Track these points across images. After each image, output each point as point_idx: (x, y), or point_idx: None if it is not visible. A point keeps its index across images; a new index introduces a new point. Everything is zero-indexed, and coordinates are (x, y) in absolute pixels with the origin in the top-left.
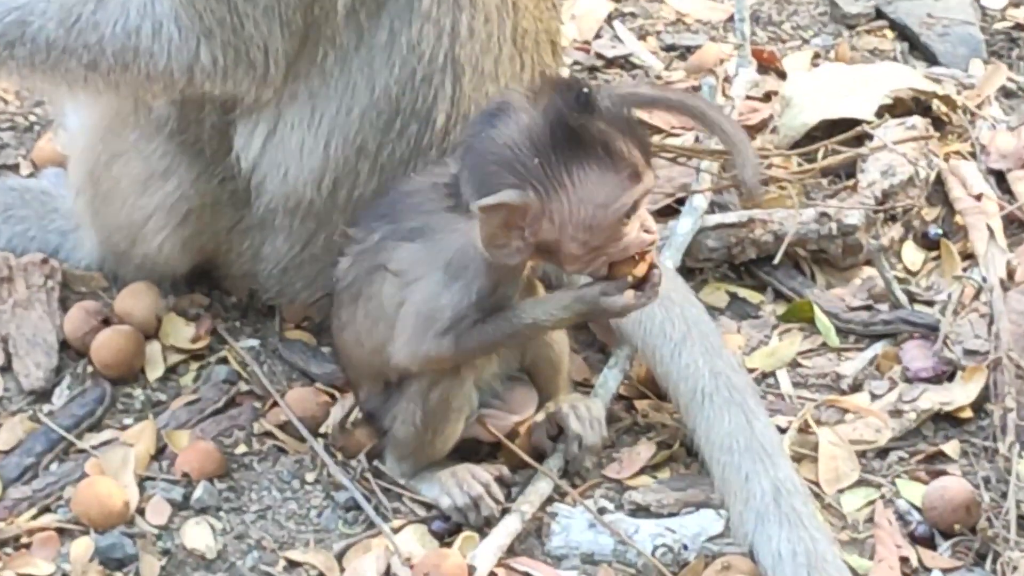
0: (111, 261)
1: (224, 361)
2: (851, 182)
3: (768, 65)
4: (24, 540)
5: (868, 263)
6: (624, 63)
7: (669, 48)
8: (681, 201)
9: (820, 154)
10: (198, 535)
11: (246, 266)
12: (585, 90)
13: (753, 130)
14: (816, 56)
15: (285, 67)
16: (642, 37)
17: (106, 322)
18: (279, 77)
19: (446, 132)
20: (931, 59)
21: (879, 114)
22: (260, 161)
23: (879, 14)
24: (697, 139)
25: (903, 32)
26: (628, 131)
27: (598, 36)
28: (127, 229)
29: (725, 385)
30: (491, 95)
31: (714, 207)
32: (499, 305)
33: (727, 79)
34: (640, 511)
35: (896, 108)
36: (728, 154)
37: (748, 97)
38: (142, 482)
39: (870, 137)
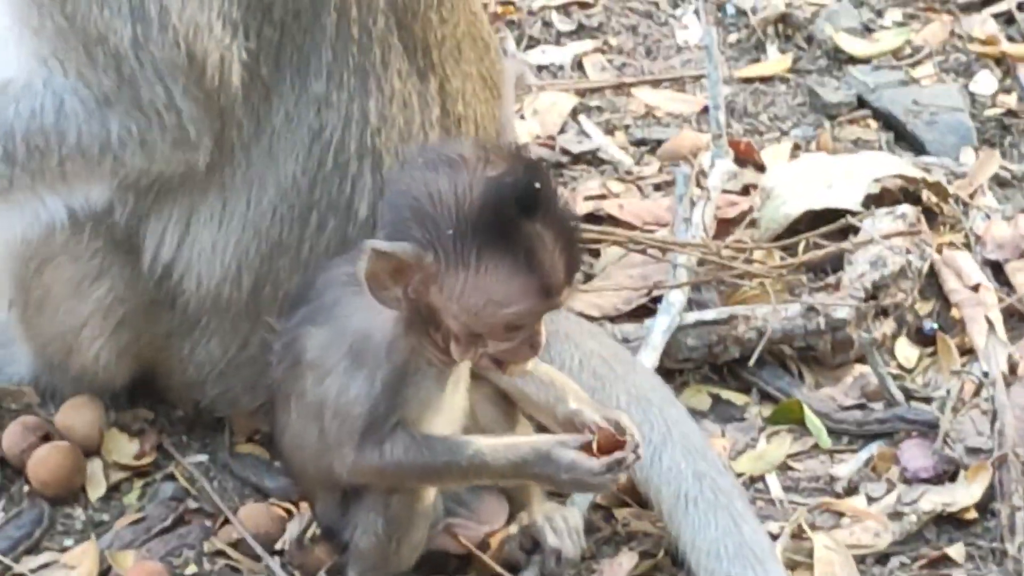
0: (47, 375)
1: (171, 478)
2: (838, 276)
3: (745, 157)
4: None
5: (859, 360)
6: (592, 159)
7: (639, 143)
8: (657, 299)
9: (802, 247)
10: None
11: (186, 373)
12: (536, 186)
13: (731, 224)
14: (796, 147)
15: (208, 133)
16: (609, 132)
17: (46, 438)
18: (205, 141)
19: (372, 224)
20: (918, 148)
21: (866, 204)
22: (176, 259)
23: (861, 103)
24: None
25: (888, 121)
26: (563, 247)
27: (563, 131)
28: (62, 339)
29: (710, 488)
30: None
31: (692, 304)
32: (422, 401)
33: (702, 172)
34: None
35: (883, 198)
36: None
37: (725, 191)
38: None
39: (856, 230)
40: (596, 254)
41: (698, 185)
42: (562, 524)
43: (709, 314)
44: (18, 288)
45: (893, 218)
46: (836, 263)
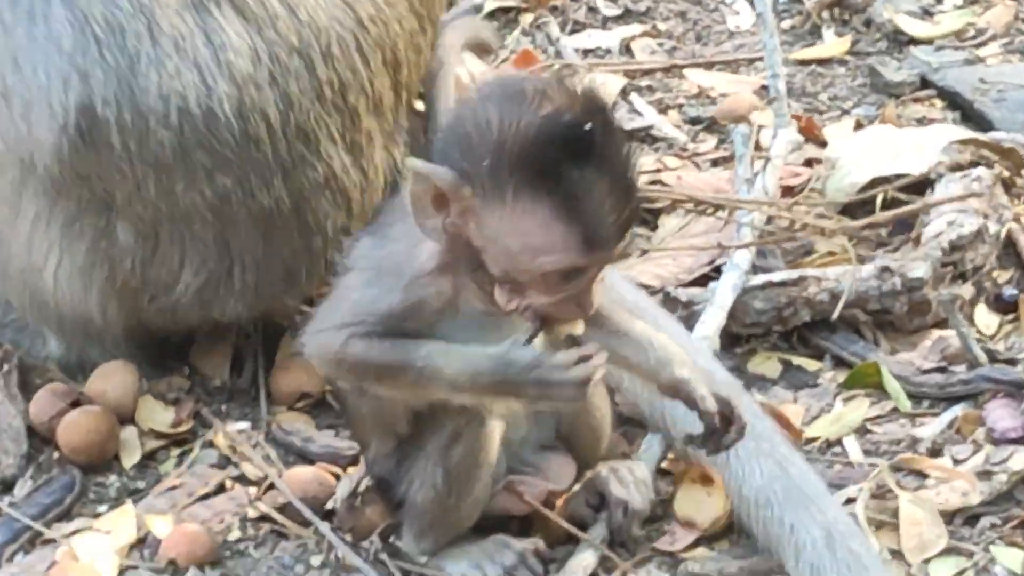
0: (58, 335)
1: (210, 445)
2: (915, 234)
3: (806, 133)
4: None
5: (937, 325)
6: (645, 136)
7: (693, 121)
8: (720, 269)
9: (879, 200)
10: None
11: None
12: (588, 128)
13: (793, 193)
14: (859, 125)
15: None
16: (662, 111)
17: (76, 405)
18: None
19: None
20: (986, 127)
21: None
22: None
23: (925, 83)
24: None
25: (953, 100)
26: (614, 198)
27: (614, 109)
28: (24, 272)
29: (749, 435)
30: None
31: (758, 270)
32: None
33: (760, 135)
34: None
35: (955, 169)
36: (774, 205)
37: (787, 164)
38: (122, 573)
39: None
40: (654, 227)
41: (757, 148)
42: (628, 475)
43: (778, 275)
44: None
45: (968, 181)
46: (908, 228)
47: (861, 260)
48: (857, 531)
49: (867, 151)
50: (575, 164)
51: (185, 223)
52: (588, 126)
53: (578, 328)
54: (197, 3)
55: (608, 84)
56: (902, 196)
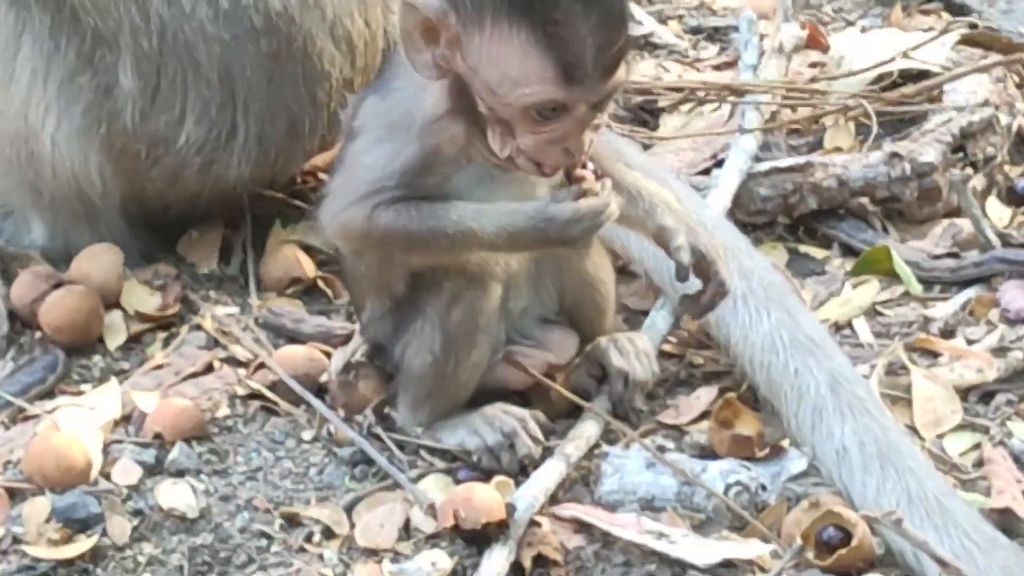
0: (49, 217)
1: (198, 328)
2: (922, 126)
3: (811, 41)
4: None
5: (947, 215)
6: (645, 44)
7: (694, 30)
8: (722, 164)
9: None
10: (176, 495)
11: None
12: None
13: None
14: (864, 31)
15: None
16: (662, 22)
17: (59, 287)
18: None
19: None
20: None
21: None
22: None
23: None
24: None
25: (961, 10)
26: (595, 24)
27: None
28: (18, 139)
29: (759, 284)
30: None
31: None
32: (431, 195)
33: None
34: (706, 453)
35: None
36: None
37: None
38: (106, 447)
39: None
40: (655, 127)
41: (760, 37)
42: (629, 346)
43: (784, 161)
44: None
45: (978, 73)
46: (919, 123)
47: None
48: (863, 380)
49: (874, 50)
50: None
51: (189, 60)
52: None
53: (589, 181)
54: None
55: None
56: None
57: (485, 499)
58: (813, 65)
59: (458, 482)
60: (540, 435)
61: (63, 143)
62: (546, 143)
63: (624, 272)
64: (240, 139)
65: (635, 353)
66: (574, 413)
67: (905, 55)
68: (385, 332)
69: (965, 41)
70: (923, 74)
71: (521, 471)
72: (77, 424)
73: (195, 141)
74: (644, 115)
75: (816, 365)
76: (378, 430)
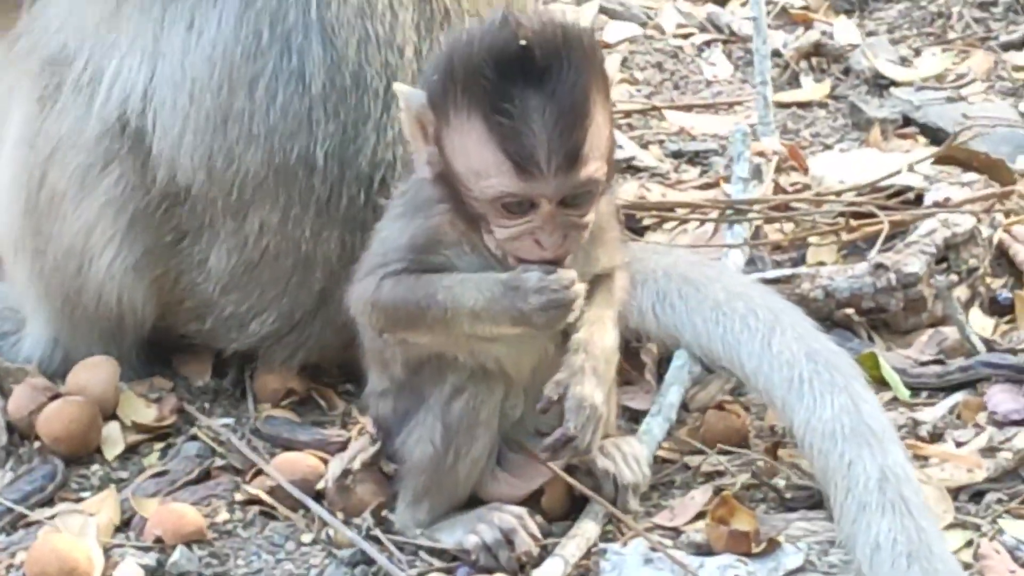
0: (62, 336)
1: (194, 439)
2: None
3: (791, 160)
4: None
5: (932, 325)
6: (627, 167)
7: (675, 154)
8: None
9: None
10: None
11: (196, 289)
12: (522, 47)
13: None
14: (843, 152)
15: None
16: (644, 146)
17: (56, 399)
18: None
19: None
20: None
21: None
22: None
23: (907, 121)
24: None
25: (936, 136)
26: (552, 122)
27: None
28: (74, 256)
29: (825, 367)
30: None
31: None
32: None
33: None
34: (702, 551)
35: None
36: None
37: (773, 180)
38: (107, 551)
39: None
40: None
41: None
42: (615, 451)
43: (771, 273)
44: (22, 209)
45: (960, 185)
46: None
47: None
48: (913, 478)
49: (854, 168)
50: (512, 84)
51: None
52: (523, 43)
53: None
54: None
55: None
56: (893, 205)
57: None
58: (794, 185)
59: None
60: (538, 533)
61: (117, 272)
62: (517, 237)
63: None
64: (295, 335)
65: (623, 457)
66: (570, 514)
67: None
68: (385, 412)
69: (942, 159)
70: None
71: (520, 569)
72: (78, 528)
73: (257, 331)
74: (629, 234)
75: (870, 458)
76: (376, 532)
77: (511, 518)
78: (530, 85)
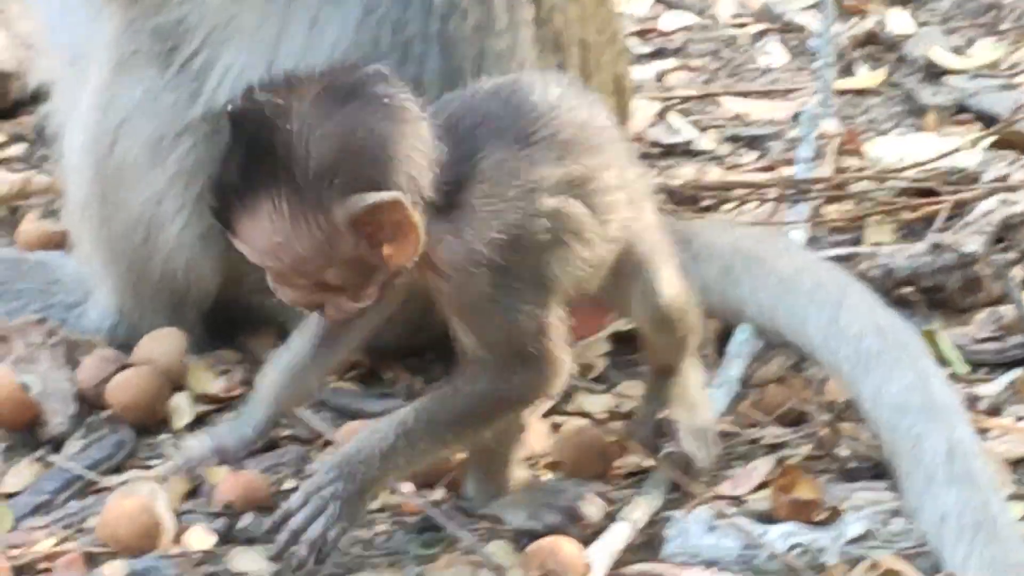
0: (129, 307)
1: None
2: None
3: (847, 147)
4: (43, 566)
5: (989, 304)
6: (684, 151)
7: (732, 139)
8: None
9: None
10: (248, 561)
11: None
12: (229, 109)
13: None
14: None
15: None
16: (702, 131)
17: (124, 369)
18: None
19: None
20: None
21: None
22: None
23: (961, 108)
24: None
25: (991, 122)
26: (226, 178)
27: (651, 126)
28: (142, 226)
29: (893, 344)
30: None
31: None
32: None
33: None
34: (766, 519)
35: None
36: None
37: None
38: (178, 516)
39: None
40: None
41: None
42: (700, 432)
43: (831, 252)
44: (92, 178)
45: (1019, 167)
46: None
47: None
48: (980, 452)
49: (910, 152)
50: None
51: None
52: (229, 107)
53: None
54: None
55: (644, 108)
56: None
57: (571, 554)
58: (852, 168)
59: (522, 548)
60: (602, 507)
61: (185, 243)
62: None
63: None
64: None
65: (705, 441)
66: (634, 483)
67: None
68: None
69: (997, 144)
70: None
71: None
72: (148, 494)
73: None
74: (691, 214)
75: (938, 432)
76: (445, 505)
77: (573, 496)
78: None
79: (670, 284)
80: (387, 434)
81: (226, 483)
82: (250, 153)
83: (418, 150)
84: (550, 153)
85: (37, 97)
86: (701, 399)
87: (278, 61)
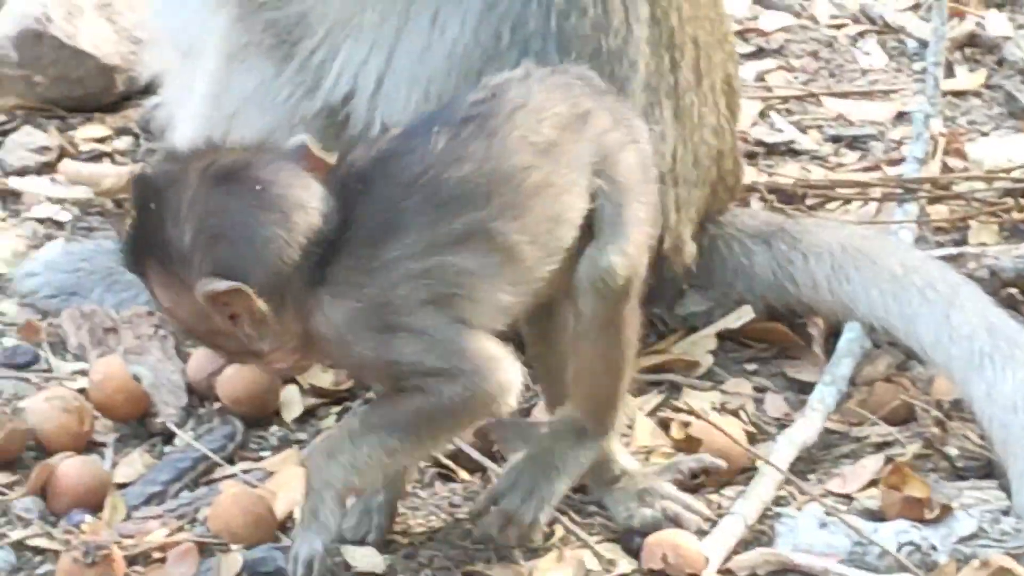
0: None
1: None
2: None
3: (949, 148)
4: (157, 556)
5: None
6: (786, 150)
7: (834, 139)
8: None
9: None
10: (360, 553)
11: None
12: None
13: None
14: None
15: None
16: (802, 131)
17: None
18: None
19: None
20: None
21: None
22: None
23: None
24: None
25: None
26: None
27: (754, 126)
28: None
29: (1005, 343)
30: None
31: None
32: None
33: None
34: (874, 517)
35: None
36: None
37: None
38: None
39: None
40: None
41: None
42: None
43: (937, 252)
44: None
45: None
46: None
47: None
48: None
49: (1012, 154)
50: None
51: None
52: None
53: None
54: None
55: (745, 107)
56: None
57: (691, 548)
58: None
59: (628, 551)
60: (705, 511)
61: None
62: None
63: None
64: None
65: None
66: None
67: None
68: None
69: None
70: None
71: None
72: (260, 483)
73: None
74: (796, 210)
75: None
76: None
77: (675, 504)
78: None
79: (622, 256)
80: (336, 441)
81: None
82: (144, 219)
83: (282, 237)
84: (426, 212)
85: (143, 90)
86: (628, 462)
87: (397, 57)
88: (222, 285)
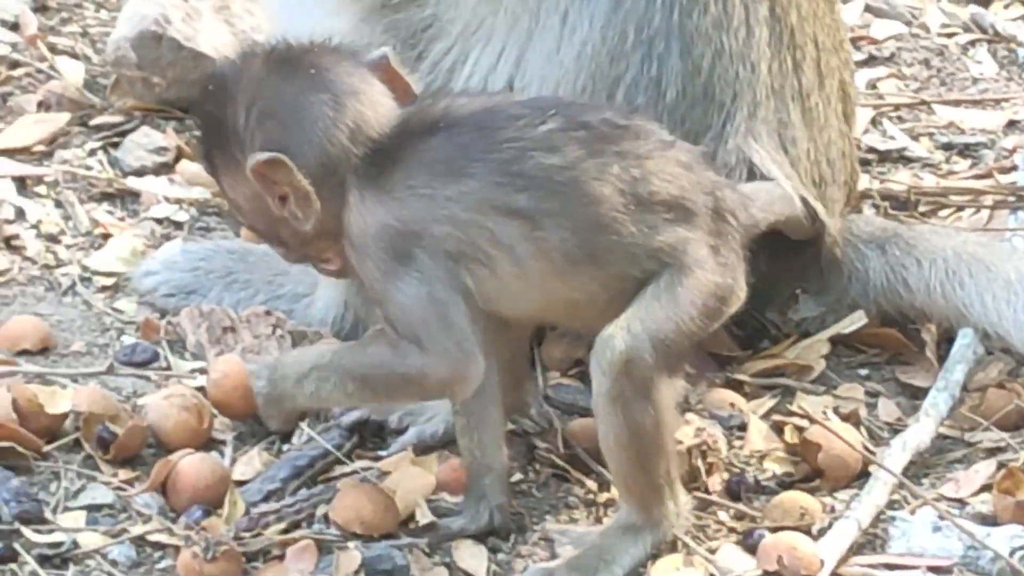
0: (353, 295)
1: None
2: None
3: None
4: (276, 553)
5: None
6: (899, 157)
7: (946, 147)
8: None
9: None
10: (474, 554)
11: None
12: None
13: None
14: None
15: None
16: (914, 138)
17: None
18: None
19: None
20: None
21: None
22: None
23: None
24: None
25: None
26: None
27: (866, 132)
28: None
29: None
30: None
31: None
32: None
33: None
34: (987, 522)
35: None
36: None
37: None
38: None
39: None
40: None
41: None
42: None
43: None
44: None
45: None
46: None
47: None
48: None
49: None
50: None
51: None
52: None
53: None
54: None
55: (858, 114)
56: None
57: (807, 551)
58: None
59: (747, 549)
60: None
61: None
62: None
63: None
64: None
65: None
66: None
67: None
68: None
69: None
70: None
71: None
72: (379, 482)
73: None
74: (906, 217)
75: None
76: None
77: None
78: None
79: (624, 331)
80: (303, 362)
81: (449, 472)
82: (208, 117)
83: (329, 116)
84: (498, 173)
85: None
86: None
87: (527, 59)
88: (264, 156)
